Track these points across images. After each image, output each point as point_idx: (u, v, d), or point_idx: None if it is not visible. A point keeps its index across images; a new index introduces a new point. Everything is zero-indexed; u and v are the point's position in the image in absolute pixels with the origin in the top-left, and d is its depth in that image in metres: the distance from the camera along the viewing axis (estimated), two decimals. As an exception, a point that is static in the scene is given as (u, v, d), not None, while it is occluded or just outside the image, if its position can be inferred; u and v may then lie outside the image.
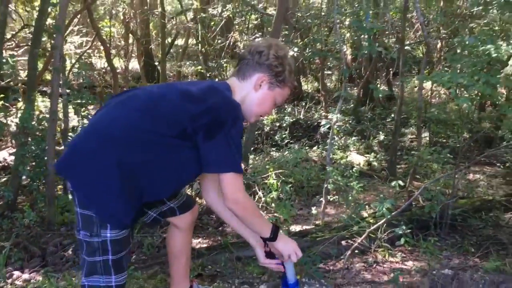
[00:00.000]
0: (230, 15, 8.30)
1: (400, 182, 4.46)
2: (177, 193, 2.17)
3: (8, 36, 7.86)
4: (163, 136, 1.76)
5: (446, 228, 3.98)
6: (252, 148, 6.47)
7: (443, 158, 4.42)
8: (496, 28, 4.24)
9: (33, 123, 4.36)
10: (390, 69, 9.68)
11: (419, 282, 2.11)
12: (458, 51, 3.55)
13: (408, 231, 3.49)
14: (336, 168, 4.84)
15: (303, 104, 9.33)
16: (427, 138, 6.95)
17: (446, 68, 5.07)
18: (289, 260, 2.07)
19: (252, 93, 1.95)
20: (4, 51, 6.57)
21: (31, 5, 7.67)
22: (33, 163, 4.38)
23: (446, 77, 3.09)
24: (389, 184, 5.25)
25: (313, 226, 4.14)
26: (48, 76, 8.80)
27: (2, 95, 5.34)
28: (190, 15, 9.23)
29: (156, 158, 1.77)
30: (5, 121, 5.77)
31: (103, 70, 10.30)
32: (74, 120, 6.00)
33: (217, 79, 9.04)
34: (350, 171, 4.83)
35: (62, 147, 5.16)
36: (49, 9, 4.78)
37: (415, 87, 9.99)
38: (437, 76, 3.17)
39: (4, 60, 3.67)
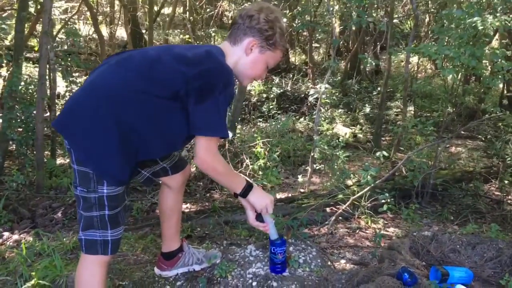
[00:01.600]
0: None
1: (385, 153, 4.57)
2: (170, 154, 2.23)
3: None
4: (157, 96, 1.80)
5: (427, 197, 4.11)
6: (239, 119, 6.51)
7: (426, 130, 4.53)
8: (484, 1, 4.30)
9: (21, 87, 4.35)
10: (378, 43, 9.73)
11: (399, 242, 2.21)
12: (446, 23, 3.59)
13: (391, 199, 3.61)
14: (322, 138, 4.92)
15: (291, 76, 9.35)
16: (412, 112, 7.07)
17: (433, 42, 5.13)
18: (268, 218, 2.14)
19: (244, 57, 1.98)
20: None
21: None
22: (21, 128, 4.38)
23: (433, 48, 3.15)
24: (373, 155, 5.37)
25: (299, 193, 4.24)
26: (32, 42, 8.65)
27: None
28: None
29: (149, 117, 1.81)
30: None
31: (88, 37, 10.15)
32: (59, 87, 5.98)
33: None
34: (337, 141, 4.92)
35: (48, 113, 5.14)
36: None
37: (402, 61, 10.07)
38: (424, 48, 3.22)
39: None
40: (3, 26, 4.50)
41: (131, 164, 1.87)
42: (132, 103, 1.78)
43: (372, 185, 3.55)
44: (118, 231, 1.91)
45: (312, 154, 4.24)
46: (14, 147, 4.84)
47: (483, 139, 6.37)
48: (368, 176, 3.47)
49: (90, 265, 1.91)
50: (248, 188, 2.04)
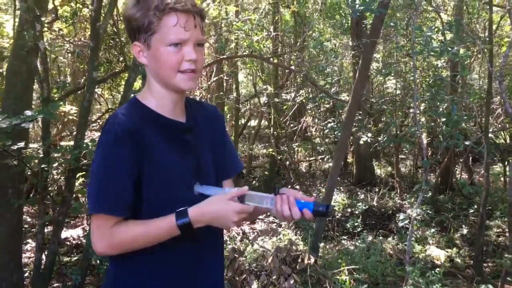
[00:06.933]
0: (303, 100, 8.39)
1: (490, 287, 4.01)
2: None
3: (94, 118, 8.42)
4: None
5: None
6: (322, 235, 6.20)
7: (539, 261, 3.96)
8: None
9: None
10: (470, 154, 9.20)
11: None
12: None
13: None
14: (414, 265, 4.44)
15: (376, 190, 8.98)
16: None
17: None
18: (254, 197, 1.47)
19: (146, 66, 1.54)
20: (89, 131, 7.00)
21: (117, 89, 8.19)
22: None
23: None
24: (476, 286, 4.75)
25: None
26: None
27: (81, 175, 5.56)
28: (263, 99, 9.46)
29: None
30: (82, 201, 6.01)
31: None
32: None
33: (287, 163, 9.02)
34: (432, 272, 4.41)
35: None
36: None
37: (498, 174, 9.38)
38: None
39: (84, 145, 3.82)
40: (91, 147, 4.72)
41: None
42: None
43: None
44: None
45: (404, 287, 3.80)
46: (98, 262, 4.87)
47: None
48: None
49: None
50: (182, 225, 1.41)
